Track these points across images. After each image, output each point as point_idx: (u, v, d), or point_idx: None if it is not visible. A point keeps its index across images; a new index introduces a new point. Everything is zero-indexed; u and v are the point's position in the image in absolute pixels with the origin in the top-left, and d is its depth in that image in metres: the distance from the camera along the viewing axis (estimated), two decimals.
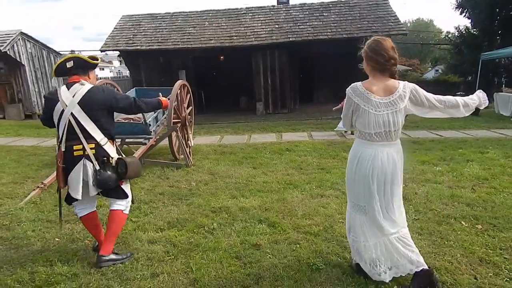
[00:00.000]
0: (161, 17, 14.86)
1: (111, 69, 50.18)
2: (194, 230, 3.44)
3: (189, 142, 6.37)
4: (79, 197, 2.71)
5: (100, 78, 19.60)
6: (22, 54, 13.14)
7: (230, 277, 2.65)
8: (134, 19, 14.88)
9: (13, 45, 12.66)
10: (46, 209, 4.06)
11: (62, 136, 2.69)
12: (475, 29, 18.44)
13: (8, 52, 12.34)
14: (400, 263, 2.43)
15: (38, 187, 4.60)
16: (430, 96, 2.42)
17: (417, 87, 2.40)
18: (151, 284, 2.58)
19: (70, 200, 2.85)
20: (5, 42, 12.32)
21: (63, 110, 2.67)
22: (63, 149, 2.70)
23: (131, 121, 5.80)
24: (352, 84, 2.37)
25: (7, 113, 13.22)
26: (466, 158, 5.92)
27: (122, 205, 2.90)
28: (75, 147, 2.68)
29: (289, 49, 12.90)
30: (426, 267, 2.39)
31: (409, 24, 54.67)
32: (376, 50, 2.32)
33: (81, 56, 2.84)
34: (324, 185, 4.70)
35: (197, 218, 3.71)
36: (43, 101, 14.12)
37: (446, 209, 3.82)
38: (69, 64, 2.74)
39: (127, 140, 5.95)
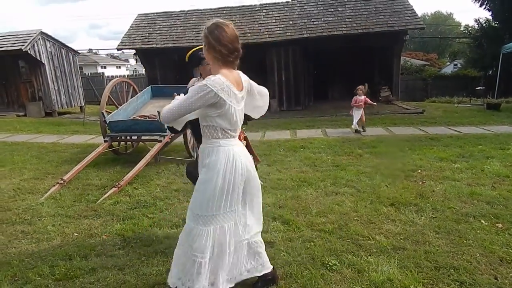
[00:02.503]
0: (175, 15, 14.97)
1: (127, 67, 50.88)
2: None
3: None
4: None
5: (117, 76, 19.93)
6: (42, 53, 13.46)
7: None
8: (150, 17, 15.04)
9: (33, 45, 12.98)
10: (65, 205, 4.16)
11: None
12: (496, 22, 17.89)
13: (29, 52, 12.65)
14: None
15: (58, 183, 4.72)
16: (257, 85, 2.39)
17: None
18: (165, 280, 2.61)
19: None
20: (26, 42, 12.63)
21: None
22: None
23: (147, 118, 5.88)
24: (213, 77, 2.01)
25: (28, 110, 13.59)
26: (486, 155, 5.76)
27: None
28: None
29: (303, 45, 12.79)
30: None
31: (427, 17, 53.40)
32: (219, 40, 2.05)
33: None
34: (339, 183, 4.66)
35: None
36: (62, 99, 14.54)
37: (465, 207, 3.73)
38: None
39: (143, 137, 6.03)
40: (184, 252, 2.21)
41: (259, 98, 2.43)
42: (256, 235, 2.39)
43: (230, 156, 2.12)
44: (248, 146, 2.69)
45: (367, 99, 8.25)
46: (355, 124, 8.19)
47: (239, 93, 2.12)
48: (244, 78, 2.21)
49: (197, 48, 2.60)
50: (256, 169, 2.67)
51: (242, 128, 2.53)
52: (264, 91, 2.49)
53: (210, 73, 2.20)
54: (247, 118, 2.50)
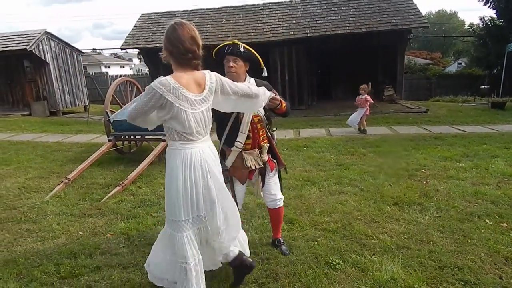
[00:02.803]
0: (179, 15, 14.97)
1: (131, 67, 51.02)
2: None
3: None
4: None
5: (121, 76, 20.01)
6: (47, 53, 13.53)
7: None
8: (153, 17, 15.07)
9: (38, 44, 13.05)
10: (70, 203, 4.19)
11: None
12: (501, 20, 17.77)
13: (33, 51, 12.72)
14: None
15: (63, 182, 4.75)
16: (234, 83, 2.21)
17: (219, 74, 2.15)
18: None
19: None
20: (31, 42, 12.70)
21: None
22: None
23: (279, 110, 5.87)
24: (161, 78, 1.96)
25: (33, 110, 13.67)
26: (490, 154, 5.73)
27: None
28: None
29: (306, 44, 12.76)
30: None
31: (431, 16, 53.12)
32: (171, 40, 1.98)
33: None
34: (342, 182, 4.65)
35: None
36: (66, 98, 14.61)
37: (470, 207, 3.72)
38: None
39: (146, 136, 6.05)
40: (170, 257, 2.23)
41: (235, 98, 2.21)
42: (229, 244, 2.33)
43: (187, 160, 2.04)
44: (272, 149, 2.82)
45: (368, 98, 8.14)
46: (349, 122, 8.19)
47: (195, 95, 2.01)
48: (210, 80, 2.08)
49: (223, 44, 2.59)
50: (280, 174, 2.94)
51: (271, 130, 2.82)
52: (252, 92, 2.28)
53: (237, 69, 2.54)
54: (268, 116, 2.76)
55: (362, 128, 8.14)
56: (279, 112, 2.67)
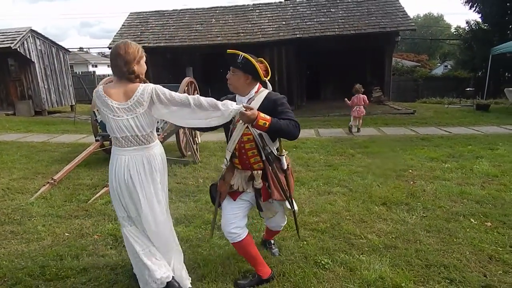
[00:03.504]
0: (168, 14, 14.89)
1: None
2: (202, 226, 3.46)
3: (196, 139, 6.39)
4: None
5: (108, 75, 19.78)
6: (32, 51, 13.27)
7: (237, 273, 2.66)
8: (142, 16, 14.94)
9: (23, 43, 12.79)
10: (56, 205, 4.11)
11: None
12: (485, 24, 18.17)
13: (18, 49, 12.46)
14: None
15: (48, 182, 4.66)
16: (176, 94, 2.22)
17: (159, 87, 2.20)
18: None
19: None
20: (16, 40, 12.45)
21: None
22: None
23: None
24: (97, 88, 2.29)
25: (18, 109, 13.39)
26: (475, 155, 5.86)
27: None
28: None
29: (296, 45, 12.83)
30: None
31: (419, 19, 53.98)
32: (112, 55, 2.23)
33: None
34: (331, 182, 4.68)
35: (204, 215, 3.73)
36: (52, 98, 14.35)
37: (455, 206, 3.79)
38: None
39: None
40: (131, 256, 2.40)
41: (176, 109, 2.21)
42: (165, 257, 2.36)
43: (115, 164, 2.24)
44: (271, 176, 2.40)
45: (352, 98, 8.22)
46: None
47: (119, 104, 2.16)
48: (142, 92, 2.17)
49: (242, 54, 2.32)
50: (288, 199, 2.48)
51: (272, 153, 2.39)
52: (190, 101, 2.18)
53: (231, 81, 2.42)
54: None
55: (350, 126, 8.31)
56: (269, 132, 2.28)
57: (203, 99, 2.18)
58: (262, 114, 2.18)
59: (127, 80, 2.20)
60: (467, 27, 19.21)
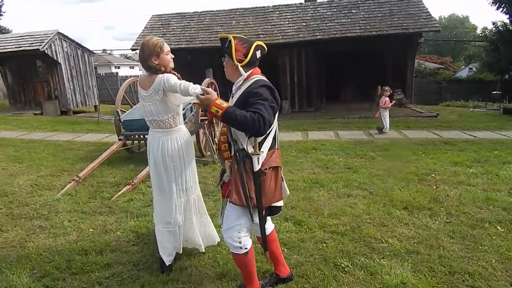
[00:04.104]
0: (189, 16, 15.11)
1: (140, 68, 51.47)
2: (221, 226, 3.48)
3: (215, 139, 6.46)
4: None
5: (130, 76, 20.22)
6: (59, 53, 13.74)
7: (256, 273, 2.67)
8: (164, 18, 15.22)
9: (50, 45, 13.26)
10: (81, 201, 4.25)
11: (275, 136, 2.27)
12: None
13: (46, 51, 12.93)
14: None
15: (74, 180, 4.82)
16: (173, 81, 2.43)
17: (167, 76, 2.45)
18: (179, 277, 2.65)
19: (274, 212, 2.35)
20: (44, 42, 12.92)
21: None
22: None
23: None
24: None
25: (45, 109, 13.88)
26: (502, 160, 5.66)
27: None
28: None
29: (316, 47, 12.77)
30: None
31: (443, 20, 52.67)
32: (140, 49, 2.55)
33: (264, 45, 2.24)
34: (351, 185, 4.64)
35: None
36: (77, 98, 14.81)
37: (480, 213, 3.68)
38: (259, 54, 2.21)
39: None
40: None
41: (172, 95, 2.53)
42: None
43: (149, 142, 2.70)
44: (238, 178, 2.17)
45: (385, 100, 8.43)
46: (387, 127, 8.40)
47: (145, 92, 2.56)
48: (156, 81, 2.48)
49: (230, 37, 2.15)
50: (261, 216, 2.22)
51: (257, 152, 2.13)
52: (176, 85, 2.39)
53: (225, 69, 2.29)
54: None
55: (378, 127, 8.40)
56: (224, 122, 2.14)
57: (186, 85, 2.33)
58: (218, 101, 2.03)
59: (151, 72, 2.53)
60: (494, 28, 18.58)
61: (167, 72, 2.51)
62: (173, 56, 2.61)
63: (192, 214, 2.77)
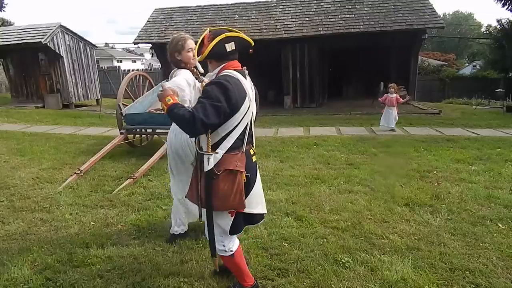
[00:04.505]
0: (192, 10, 15.04)
1: (142, 62, 51.44)
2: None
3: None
4: (265, 211, 2.33)
5: (133, 70, 20.19)
6: (61, 46, 13.71)
7: (256, 267, 2.68)
8: (166, 12, 15.15)
9: (53, 38, 13.23)
10: (82, 194, 4.26)
11: (243, 139, 2.11)
12: None
13: (48, 44, 12.91)
14: None
15: (75, 173, 4.82)
16: (174, 78, 2.58)
17: (179, 71, 2.60)
18: (180, 270, 2.66)
19: (252, 220, 2.26)
20: (46, 35, 12.89)
21: (249, 106, 2.09)
22: (244, 155, 2.12)
23: (163, 112, 5.93)
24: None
25: (47, 102, 13.89)
26: (504, 158, 5.64)
27: None
28: (251, 151, 2.18)
29: (319, 42, 12.70)
30: None
31: (447, 17, 52.31)
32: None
33: (244, 36, 2.14)
34: (353, 181, 4.63)
35: None
36: (79, 92, 14.81)
37: (482, 210, 3.67)
38: (230, 47, 2.07)
39: (157, 130, 6.09)
40: None
41: None
42: None
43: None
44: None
45: (398, 97, 8.23)
46: (384, 124, 8.23)
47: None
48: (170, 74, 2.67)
49: (221, 38, 2.06)
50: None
51: (208, 152, 2.05)
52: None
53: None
54: None
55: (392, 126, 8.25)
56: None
57: (171, 81, 2.45)
58: (167, 98, 1.99)
59: (175, 66, 2.70)
60: (499, 26, 18.42)
61: (187, 69, 2.63)
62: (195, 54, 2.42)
63: None
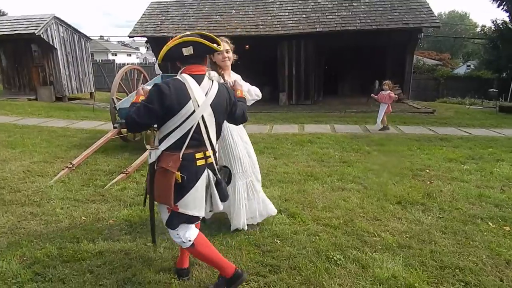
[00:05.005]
0: (188, 4, 14.90)
1: (137, 56, 51.00)
2: (215, 217, 3.48)
3: None
4: (207, 215, 2.35)
5: (128, 64, 20.02)
6: (55, 38, 13.52)
7: (248, 264, 2.68)
8: (162, 5, 15.00)
9: (46, 29, 13.04)
10: (74, 189, 4.21)
11: (183, 142, 2.13)
12: None
13: (42, 36, 12.72)
14: None
15: (67, 167, 4.78)
16: None
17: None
18: (171, 266, 2.64)
19: (188, 220, 2.23)
20: (39, 26, 12.70)
21: (193, 111, 2.11)
22: (180, 157, 2.12)
23: None
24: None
25: (39, 94, 13.71)
26: (496, 158, 5.69)
27: None
28: (197, 155, 2.17)
29: (315, 39, 12.67)
30: None
31: (443, 16, 52.53)
32: None
33: (202, 41, 2.15)
34: (346, 179, 4.64)
35: None
36: (73, 84, 14.64)
37: (473, 209, 3.70)
38: (187, 51, 2.13)
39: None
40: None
41: None
42: None
43: None
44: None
45: (391, 93, 8.12)
46: (378, 123, 8.19)
47: None
48: None
49: (178, 41, 2.14)
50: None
51: (152, 146, 2.25)
52: None
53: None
54: None
55: (383, 125, 8.17)
56: None
57: None
58: (136, 96, 2.28)
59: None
60: (494, 27, 18.54)
61: (217, 71, 2.91)
62: (226, 56, 2.91)
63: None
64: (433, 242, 3.01)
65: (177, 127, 2.12)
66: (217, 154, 2.34)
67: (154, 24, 13.73)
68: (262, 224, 3.31)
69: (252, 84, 3.18)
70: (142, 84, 7.03)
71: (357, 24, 12.18)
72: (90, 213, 3.58)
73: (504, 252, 2.84)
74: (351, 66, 15.09)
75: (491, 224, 3.36)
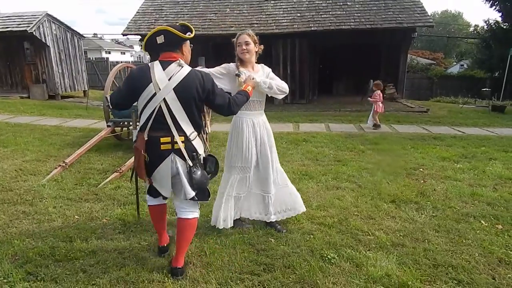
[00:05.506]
0: (182, 2, 14.82)
1: (131, 54, 50.63)
2: (209, 215, 3.47)
3: (206, 128, 6.39)
4: (169, 195, 2.50)
5: (121, 62, 19.86)
6: (48, 36, 13.38)
7: (242, 262, 2.67)
8: (156, 3, 14.90)
9: (39, 26, 12.89)
10: (67, 187, 4.18)
11: (147, 123, 2.32)
12: (505, 23, 17.70)
13: (34, 33, 12.58)
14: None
15: (60, 165, 4.73)
16: None
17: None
18: (165, 264, 2.63)
19: (155, 193, 2.54)
20: (32, 23, 12.55)
21: (154, 94, 2.27)
22: (145, 138, 2.33)
23: None
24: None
25: (32, 92, 13.56)
26: (488, 156, 5.75)
27: (197, 212, 2.56)
28: (162, 139, 2.30)
29: (310, 38, 12.69)
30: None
31: (437, 16, 52.88)
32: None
33: (172, 30, 2.31)
34: (340, 177, 4.65)
35: (212, 204, 3.72)
36: (66, 82, 14.50)
37: (466, 207, 3.73)
38: (160, 40, 2.32)
39: None
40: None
41: None
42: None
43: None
44: None
45: (380, 94, 8.16)
46: (368, 122, 8.26)
47: None
48: None
49: (153, 32, 2.35)
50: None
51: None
52: None
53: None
54: None
55: (375, 123, 8.22)
56: None
57: None
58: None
59: None
60: (486, 26, 18.72)
61: (241, 63, 2.97)
62: (244, 48, 2.93)
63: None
64: (426, 241, 3.03)
65: (143, 109, 2.34)
66: (207, 144, 2.55)
67: (148, 22, 13.63)
68: (257, 223, 3.30)
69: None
70: None
71: (352, 23, 12.21)
72: (83, 212, 3.55)
73: (497, 250, 2.87)
74: (345, 65, 15.13)
75: (483, 222, 3.39)
